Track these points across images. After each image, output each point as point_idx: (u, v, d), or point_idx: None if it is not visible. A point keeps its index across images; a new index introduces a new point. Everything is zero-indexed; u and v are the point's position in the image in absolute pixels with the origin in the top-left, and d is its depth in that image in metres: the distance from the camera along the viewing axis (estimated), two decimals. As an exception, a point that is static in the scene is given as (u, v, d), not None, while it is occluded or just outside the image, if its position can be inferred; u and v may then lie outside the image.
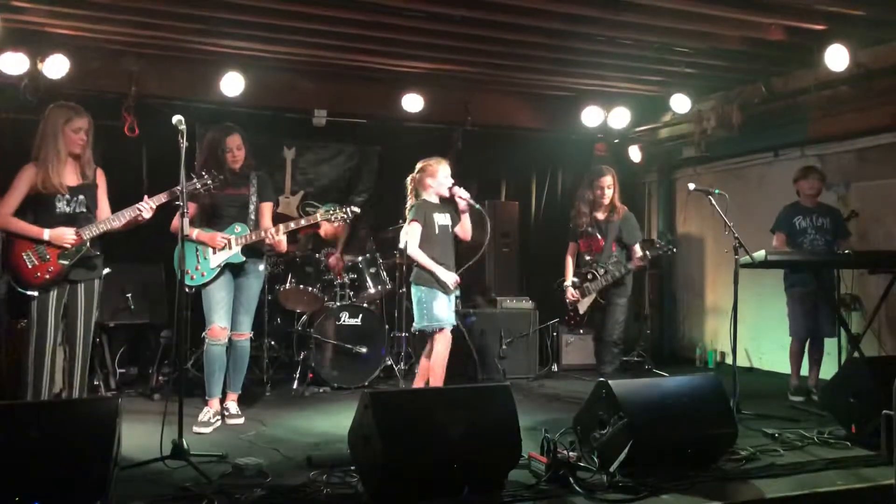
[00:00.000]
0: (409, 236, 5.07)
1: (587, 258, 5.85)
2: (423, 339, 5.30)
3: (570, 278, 5.91)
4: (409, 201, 5.22)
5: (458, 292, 6.31)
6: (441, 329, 5.01)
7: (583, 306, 5.84)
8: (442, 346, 5.02)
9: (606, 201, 5.74)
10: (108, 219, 4.40)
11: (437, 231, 5.09)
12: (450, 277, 5.02)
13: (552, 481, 3.58)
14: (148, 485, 3.52)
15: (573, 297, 5.85)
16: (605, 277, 5.67)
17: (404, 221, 6.81)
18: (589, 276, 5.76)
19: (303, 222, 5.03)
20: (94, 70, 6.27)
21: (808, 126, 6.62)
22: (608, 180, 5.72)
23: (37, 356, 4.28)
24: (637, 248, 5.78)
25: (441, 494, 3.36)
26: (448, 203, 5.21)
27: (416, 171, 5.19)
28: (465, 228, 5.21)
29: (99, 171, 4.52)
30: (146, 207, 4.37)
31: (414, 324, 5.17)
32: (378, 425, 3.28)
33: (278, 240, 4.89)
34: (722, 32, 5.63)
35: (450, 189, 5.10)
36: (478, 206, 5.13)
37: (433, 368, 5.05)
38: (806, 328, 5.89)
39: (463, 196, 5.06)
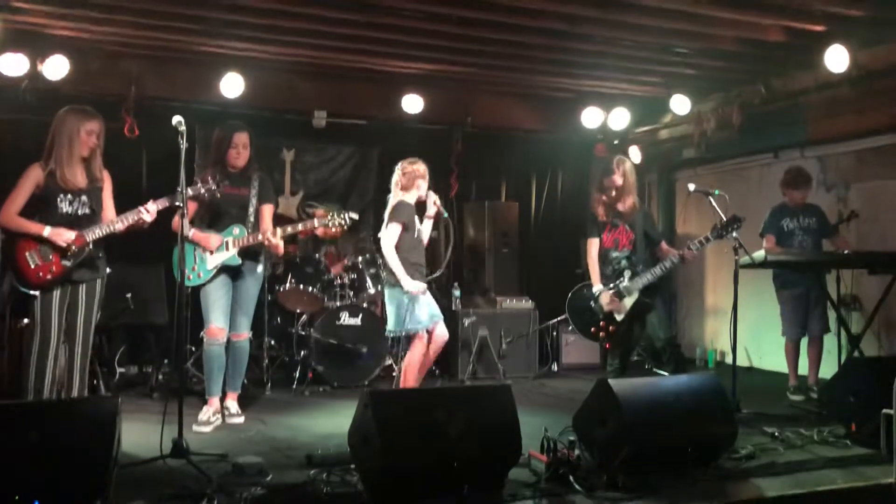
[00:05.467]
0: (388, 235, 4.95)
1: (614, 254, 5.29)
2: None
3: (599, 283, 5.26)
4: (395, 200, 5.07)
5: (457, 292, 6.34)
6: (418, 333, 4.93)
7: (622, 312, 5.20)
8: (420, 347, 4.97)
9: (633, 190, 5.33)
10: (110, 221, 4.41)
11: (416, 234, 5.05)
12: (416, 286, 4.85)
13: (552, 480, 3.58)
14: (148, 484, 3.52)
15: (614, 303, 5.19)
16: (654, 271, 5.12)
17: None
18: (626, 274, 5.18)
19: (300, 227, 5.00)
20: (94, 71, 6.27)
21: (807, 127, 6.62)
22: (632, 166, 5.37)
23: (39, 356, 4.29)
24: (664, 243, 5.41)
25: (441, 494, 3.35)
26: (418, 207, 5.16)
27: (403, 171, 5.08)
28: (426, 234, 5.15)
29: (105, 173, 4.54)
30: (149, 211, 4.38)
31: (389, 327, 5.01)
32: (378, 425, 3.28)
33: (276, 243, 4.86)
34: (721, 33, 5.63)
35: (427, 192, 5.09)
36: (446, 213, 5.14)
37: (406, 372, 4.98)
38: (797, 329, 5.89)
39: (437, 202, 5.05)
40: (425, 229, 5.15)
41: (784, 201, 6.03)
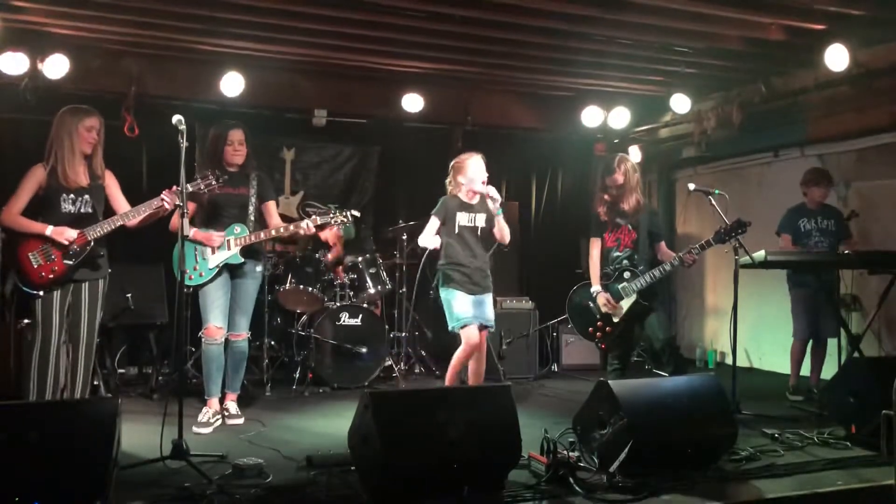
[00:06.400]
0: (426, 227, 4.98)
1: (615, 254, 5.18)
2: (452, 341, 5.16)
3: (598, 283, 5.20)
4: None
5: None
6: (463, 326, 4.84)
7: (619, 314, 5.12)
8: (464, 344, 4.87)
9: (637, 189, 5.24)
10: (123, 214, 4.43)
11: (456, 230, 4.95)
12: (423, 241, 4.88)
13: (552, 481, 3.58)
14: (148, 485, 3.52)
15: (611, 304, 5.13)
16: (653, 273, 5.02)
17: (404, 221, 6.87)
18: (626, 275, 5.09)
19: (320, 220, 4.93)
20: (94, 70, 6.27)
21: (807, 126, 6.62)
22: (634, 164, 5.30)
23: (41, 356, 4.31)
24: (663, 244, 5.33)
25: (441, 494, 3.36)
26: (485, 202, 5.00)
27: (450, 168, 5.08)
28: (499, 230, 4.97)
29: (108, 172, 4.56)
30: (167, 199, 4.37)
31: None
32: (378, 425, 3.28)
33: (313, 231, 4.89)
34: (722, 32, 5.63)
35: (484, 184, 4.92)
36: (498, 212, 4.91)
37: (451, 365, 4.96)
38: (808, 329, 5.88)
39: (494, 197, 4.86)
40: (498, 225, 4.95)
41: (803, 202, 6.01)
